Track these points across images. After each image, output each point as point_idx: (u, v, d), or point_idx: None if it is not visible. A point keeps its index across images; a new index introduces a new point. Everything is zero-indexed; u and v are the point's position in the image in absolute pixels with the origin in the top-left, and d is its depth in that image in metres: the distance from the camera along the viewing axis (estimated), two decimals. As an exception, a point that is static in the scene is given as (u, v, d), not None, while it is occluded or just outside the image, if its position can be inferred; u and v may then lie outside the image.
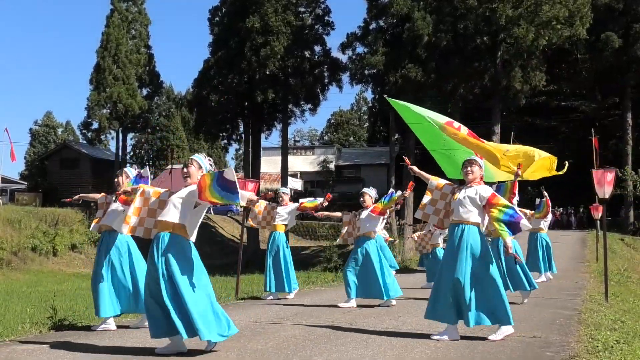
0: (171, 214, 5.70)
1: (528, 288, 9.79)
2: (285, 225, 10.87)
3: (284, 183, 38.24)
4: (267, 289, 10.88)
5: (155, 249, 5.68)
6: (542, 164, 6.96)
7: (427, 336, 6.55)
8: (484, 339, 6.32)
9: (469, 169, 6.61)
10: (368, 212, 9.58)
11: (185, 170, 5.87)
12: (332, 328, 7.18)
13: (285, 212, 10.75)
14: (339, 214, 10.41)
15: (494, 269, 6.36)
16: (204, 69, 39.73)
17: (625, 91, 39.46)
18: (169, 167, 36.14)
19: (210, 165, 5.98)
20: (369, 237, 9.59)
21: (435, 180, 6.95)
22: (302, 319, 8.02)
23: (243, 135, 41.83)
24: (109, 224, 7.19)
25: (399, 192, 9.65)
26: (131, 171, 7.36)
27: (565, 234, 32.99)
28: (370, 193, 9.80)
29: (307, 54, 39.36)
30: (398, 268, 16.02)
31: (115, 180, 7.31)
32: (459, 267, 6.29)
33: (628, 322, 7.75)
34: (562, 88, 45.37)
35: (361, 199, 9.75)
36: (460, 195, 6.55)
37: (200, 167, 5.87)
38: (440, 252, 13.75)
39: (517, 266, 9.55)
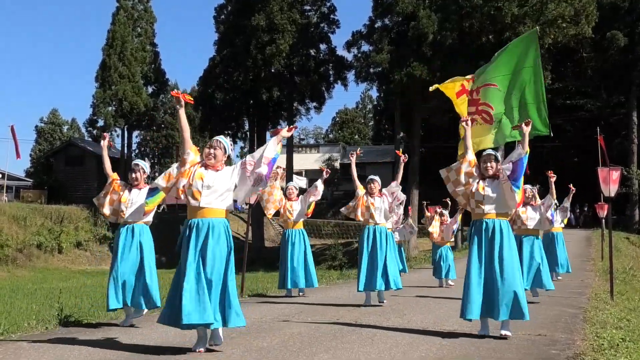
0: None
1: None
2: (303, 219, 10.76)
3: (289, 181, 38.25)
4: (302, 285, 10.69)
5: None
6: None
7: (432, 333, 6.56)
8: (489, 336, 6.31)
9: (489, 164, 6.46)
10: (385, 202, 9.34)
11: (212, 151, 5.56)
12: (337, 325, 7.19)
13: (298, 207, 10.64)
14: (358, 183, 9.48)
15: (518, 264, 6.39)
16: (209, 67, 39.82)
17: (631, 90, 39.38)
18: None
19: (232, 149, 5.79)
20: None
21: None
22: (308, 317, 8.02)
23: (248, 133, 41.89)
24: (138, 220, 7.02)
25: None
26: (146, 166, 7.25)
27: (570, 232, 32.90)
28: (378, 180, 9.55)
29: (312, 52, 39.43)
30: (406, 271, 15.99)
31: (133, 175, 7.08)
32: (494, 261, 6.25)
33: (633, 320, 7.74)
34: (567, 86, 45.26)
35: (371, 185, 9.29)
36: (487, 187, 6.40)
37: (225, 152, 5.66)
38: (447, 249, 13.63)
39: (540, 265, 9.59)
